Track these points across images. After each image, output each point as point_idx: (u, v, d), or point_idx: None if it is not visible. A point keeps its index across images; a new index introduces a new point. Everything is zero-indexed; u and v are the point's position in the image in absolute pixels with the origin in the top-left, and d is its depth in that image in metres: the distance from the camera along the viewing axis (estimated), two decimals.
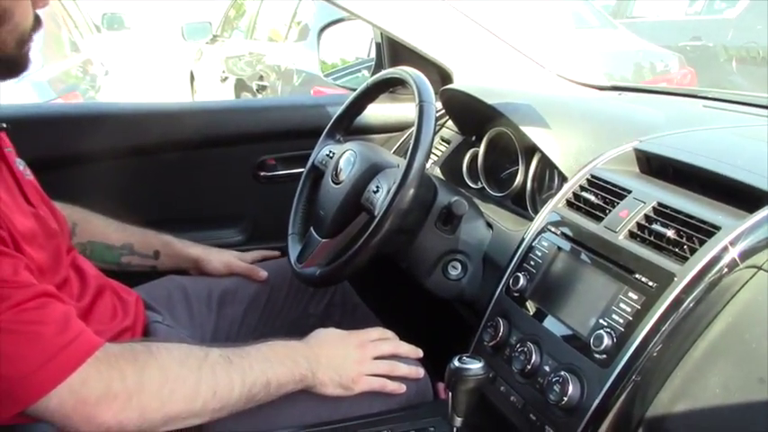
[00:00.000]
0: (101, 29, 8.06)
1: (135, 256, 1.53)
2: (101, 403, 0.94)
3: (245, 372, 1.08)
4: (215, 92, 6.97)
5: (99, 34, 7.68)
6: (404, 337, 1.31)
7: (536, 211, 1.33)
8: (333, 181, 1.44)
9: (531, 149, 1.48)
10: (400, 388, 1.23)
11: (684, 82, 5.55)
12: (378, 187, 1.34)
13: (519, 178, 1.53)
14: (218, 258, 1.56)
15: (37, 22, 1.07)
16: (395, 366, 1.24)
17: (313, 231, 1.46)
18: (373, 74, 1.89)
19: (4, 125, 1.17)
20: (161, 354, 1.03)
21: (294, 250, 1.49)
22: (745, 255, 0.95)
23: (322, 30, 2.36)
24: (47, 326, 0.93)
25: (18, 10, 1.02)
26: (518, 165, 1.53)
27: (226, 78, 6.74)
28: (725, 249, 0.95)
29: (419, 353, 1.28)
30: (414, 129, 1.28)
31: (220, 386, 1.04)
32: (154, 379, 0.99)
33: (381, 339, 1.27)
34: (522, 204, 1.51)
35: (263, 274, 1.53)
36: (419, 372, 1.26)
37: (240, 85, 6.36)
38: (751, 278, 0.95)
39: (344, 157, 1.44)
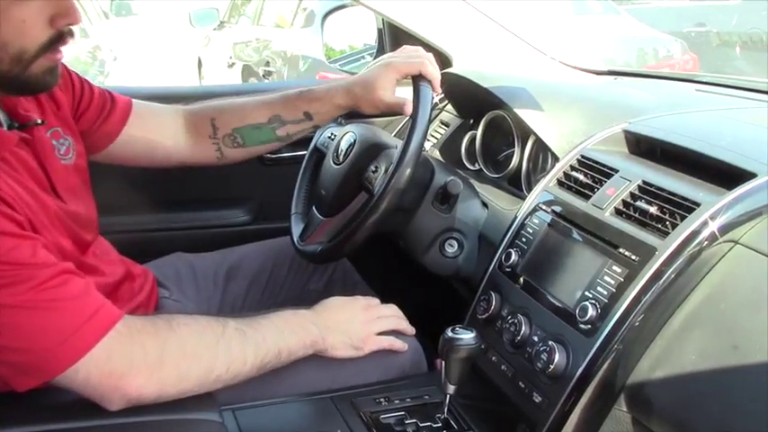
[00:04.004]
0: (109, 15, 8.11)
1: (288, 125, 1.48)
2: (125, 376, 0.99)
3: (258, 344, 1.12)
4: (222, 77, 7.01)
5: (108, 20, 7.73)
6: (403, 312, 1.36)
7: (530, 191, 1.37)
8: (334, 162, 1.49)
9: (527, 132, 1.53)
10: (404, 346, 1.29)
11: (687, 68, 5.56)
12: (377, 167, 1.39)
13: (515, 160, 1.58)
14: (368, 103, 1.42)
15: (57, 40, 1.04)
16: (398, 324, 1.31)
17: (315, 211, 1.52)
18: (375, 59, 1.93)
19: (40, 121, 1.17)
20: (180, 329, 1.06)
21: (297, 229, 1.54)
22: (724, 229, 1.00)
23: (326, 16, 2.41)
24: (69, 301, 0.97)
25: (6, 29, 0.99)
26: (514, 147, 1.58)
27: (233, 64, 6.78)
28: (704, 224, 1.00)
29: (411, 330, 1.35)
30: (411, 110, 1.33)
31: (234, 360, 1.09)
32: (173, 355, 1.03)
33: (379, 304, 1.33)
34: (517, 185, 1.56)
35: (409, 109, 1.35)
36: (412, 331, 1.34)
37: (247, 71, 6.41)
38: (728, 252, 1.00)
39: (345, 139, 1.49)
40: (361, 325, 1.26)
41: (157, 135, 1.45)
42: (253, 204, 2.03)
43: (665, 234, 1.03)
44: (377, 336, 1.27)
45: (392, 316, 1.32)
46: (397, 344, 1.29)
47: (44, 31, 1.03)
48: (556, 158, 1.35)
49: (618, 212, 1.12)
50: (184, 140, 1.47)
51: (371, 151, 1.43)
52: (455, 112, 1.83)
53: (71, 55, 3.93)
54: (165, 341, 1.03)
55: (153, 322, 1.05)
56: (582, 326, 1.05)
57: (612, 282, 1.05)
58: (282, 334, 1.16)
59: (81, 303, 0.98)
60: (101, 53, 5.69)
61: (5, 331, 0.93)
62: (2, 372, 0.97)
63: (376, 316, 1.29)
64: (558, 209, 1.23)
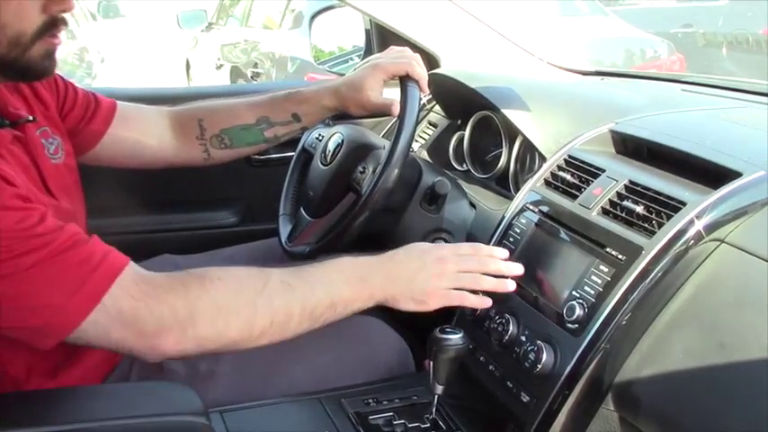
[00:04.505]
0: (96, 17, 8.08)
1: (276, 126, 1.47)
2: (158, 336, 0.98)
3: (306, 297, 1.06)
4: (210, 79, 7.00)
5: (95, 22, 7.70)
6: (391, 313, 1.36)
7: (518, 191, 1.38)
8: (321, 163, 1.49)
9: (515, 132, 1.53)
10: (483, 302, 1.15)
11: (674, 68, 5.60)
12: (364, 168, 1.39)
13: (503, 160, 1.58)
14: (356, 104, 1.41)
15: (51, 26, 1.05)
16: (479, 280, 1.14)
17: (303, 212, 1.51)
18: (362, 60, 1.93)
19: (31, 118, 1.17)
20: (214, 286, 1.02)
21: (285, 230, 1.54)
22: (710, 228, 1.00)
23: (313, 17, 2.40)
24: (77, 257, 0.97)
25: (5, 10, 1.00)
26: (502, 147, 1.58)
27: (221, 66, 6.77)
28: (690, 223, 1.00)
29: (519, 270, 1.16)
30: (399, 111, 1.33)
31: (278, 314, 1.04)
32: (206, 312, 1.00)
33: (470, 254, 1.16)
34: (505, 185, 1.56)
35: (397, 109, 1.34)
36: (509, 285, 1.15)
37: (235, 73, 6.40)
38: (714, 250, 1.00)
39: (333, 140, 1.49)
40: (430, 278, 1.12)
41: (143, 135, 1.45)
42: (241, 206, 2.02)
43: (651, 233, 1.03)
44: (447, 290, 1.13)
45: (475, 271, 1.14)
46: (470, 299, 1.14)
47: (38, 17, 1.03)
48: (543, 158, 1.36)
49: (605, 212, 1.13)
50: (171, 141, 1.47)
51: (359, 152, 1.43)
52: (443, 113, 1.83)
53: (58, 56, 3.90)
54: (196, 299, 1.01)
55: (183, 281, 1.03)
56: (569, 325, 1.05)
57: (599, 281, 1.05)
58: (335, 285, 1.09)
59: (87, 257, 0.98)
60: (88, 55, 5.67)
61: (23, 295, 0.93)
62: (25, 335, 0.98)
63: (454, 270, 1.13)
64: (545, 209, 1.23)
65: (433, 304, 1.13)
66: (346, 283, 1.10)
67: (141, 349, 0.99)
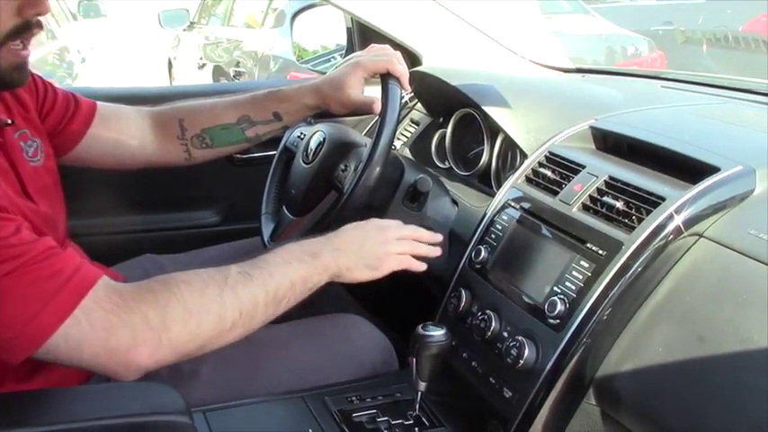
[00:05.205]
0: (77, 16, 8.01)
1: (257, 125, 1.47)
2: (132, 349, 0.97)
3: (266, 281, 1.08)
4: (193, 78, 6.96)
5: (75, 22, 7.64)
6: (375, 311, 1.36)
7: (500, 188, 1.38)
8: (303, 161, 1.49)
9: (496, 129, 1.53)
10: (422, 266, 1.24)
11: (655, 65, 5.64)
12: (346, 166, 1.39)
13: (484, 157, 1.58)
14: (337, 102, 1.42)
15: (24, 29, 1.03)
16: (416, 246, 1.24)
17: (285, 210, 1.51)
18: (344, 58, 1.93)
19: (10, 121, 1.16)
20: (180, 289, 1.03)
21: (267, 228, 1.54)
22: (689, 223, 1.01)
23: (294, 15, 2.40)
24: (50, 269, 0.95)
25: None
26: (484, 145, 1.59)
27: (203, 65, 6.73)
28: (670, 218, 1.01)
29: (438, 237, 1.29)
30: (380, 109, 1.33)
31: (245, 304, 1.05)
32: (178, 316, 1.00)
33: (400, 224, 1.26)
34: (487, 182, 1.57)
35: (378, 107, 1.35)
36: (437, 251, 1.27)
37: (218, 72, 6.36)
38: (693, 245, 1.01)
39: (314, 138, 1.49)
40: (377, 244, 1.20)
41: (123, 135, 1.44)
42: (223, 205, 2.02)
43: (631, 228, 1.04)
44: (396, 255, 1.21)
45: (410, 237, 1.24)
46: (415, 264, 1.23)
47: (10, 19, 1.02)
48: (524, 155, 1.36)
49: (585, 208, 1.13)
50: (151, 141, 1.47)
51: (341, 150, 1.43)
52: (425, 111, 1.83)
53: (38, 56, 3.88)
54: (166, 305, 1.00)
55: (150, 288, 1.03)
56: (551, 321, 1.06)
57: (580, 276, 1.05)
58: (290, 265, 1.12)
59: (60, 269, 0.96)
60: (68, 55, 5.63)
61: None
62: None
63: (393, 237, 1.22)
64: (526, 205, 1.24)
65: (385, 269, 1.20)
66: (300, 262, 1.13)
67: (114, 366, 0.98)
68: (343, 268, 1.17)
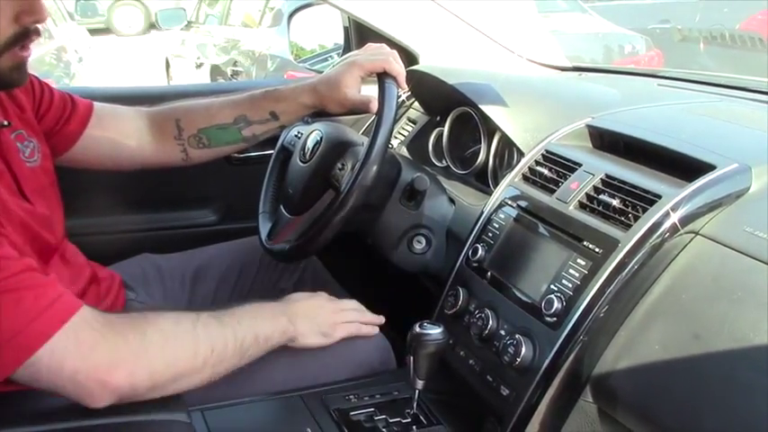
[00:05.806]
0: (74, 16, 8.01)
1: (254, 125, 1.47)
2: (111, 369, 0.97)
3: (236, 328, 1.12)
4: (190, 78, 6.96)
5: (73, 21, 7.63)
6: (373, 309, 1.37)
7: (497, 187, 1.38)
8: (300, 160, 1.49)
9: (493, 128, 1.54)
10: (373, 330, 1.33)
11: (652, 64, 5.64)
12: (343, 165, 1.39)
13: (481, 156, 1.59)
14: (334, 101, 1.42)
15: (23, 36, 1.04)
16: (362, 315, 1.34)
17: (282, 209, 1.51)
18: (341, 57, 1.93)
19: (6, 122, 1.17)
20: (156, 320, 1.06)
21: (264, 228, 1.54)
22: (685, 220, 1.01)
23: (291, 14, 2.40)
24: (29, 291, 0.95)
25: None
26: (481, 143, 1.59)
27: (201, 64, 6.73)
28: (666, 216, 1.01)
29: (381, 320, 1.37)
30: (377, 108, 1.33)
31: (216, 343, 1.08)
32: (156, 341, 1.03)
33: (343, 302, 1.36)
34: (484, 181, 1.57)
35: (375, 106, 1.36)
36: (378, 327, 1.36)
37: (215, 71, 6.36)
38: (689, 243, 1.01)
39: (311, 137, 1.49)
40: (329, 313, 1.28)
41: (120, 136, 1.44)
42: (220, 204, 2.02)
43: (627, 226, 1.04)
44: (344, 324, 1.29)
45: (354, 309, 1.34)
46: (365, 329, 1.32)
47: (9, 27, 1.02)
48: (521, 154, 1.36)
49: (582, 206, 1.13)
50: (148, 141, 1.46)
51: (338, 149, 1.44)
52: (422, 110, 1.83)
53: (35, 56, 3.88)
54: (144, 330, 1.03)
55: (129, 316, 1.07)
56: (547, 318, 1.06)
57: (577, 274, 1.06)
58: (256, 320, 1.17)
59: (40, 294, 0.96)
60: (66, 54, 5.62)
61: None
62: None
63: (340, 308, 1.31)
64: (523, 203, 1.24)
65: (337, 335, 1.27)
66: (264, 319, 1.19)
67: (91, 385, 0.97)
68: (299, 334, 1.23)
